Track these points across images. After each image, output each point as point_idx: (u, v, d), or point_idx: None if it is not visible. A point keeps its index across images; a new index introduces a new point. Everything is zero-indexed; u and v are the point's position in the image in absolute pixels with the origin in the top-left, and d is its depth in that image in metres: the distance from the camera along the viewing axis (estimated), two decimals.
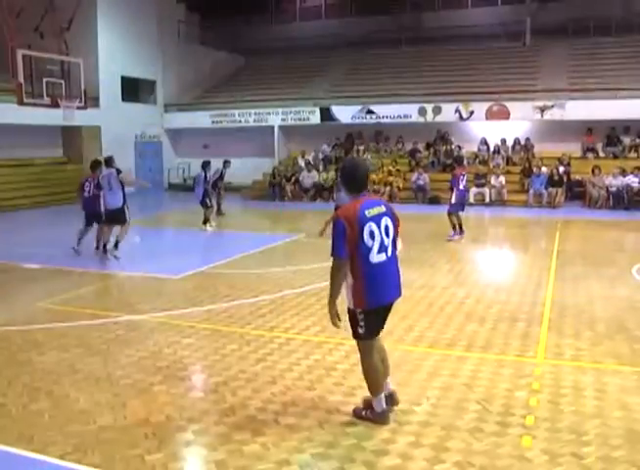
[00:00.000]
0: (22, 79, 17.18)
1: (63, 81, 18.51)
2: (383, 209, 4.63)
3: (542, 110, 22.65)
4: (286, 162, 26.21)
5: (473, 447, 4.51)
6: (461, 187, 13.57)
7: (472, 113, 23.73)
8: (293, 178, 24.16)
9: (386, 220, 4.57)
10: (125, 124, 25.87)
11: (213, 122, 27.33)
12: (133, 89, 27.79)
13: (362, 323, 4.67)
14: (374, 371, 4.84)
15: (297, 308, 8.25)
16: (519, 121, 23.72)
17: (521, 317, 7.77)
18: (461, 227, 13.59)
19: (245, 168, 26.24)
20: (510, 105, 23.15)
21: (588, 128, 22.91)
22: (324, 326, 7.40)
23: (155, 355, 6.45)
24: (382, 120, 25.10)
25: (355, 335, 4.81)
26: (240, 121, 27.02)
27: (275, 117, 26.53)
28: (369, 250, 4.45)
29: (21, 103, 17.49)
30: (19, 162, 22.84)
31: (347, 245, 4.39)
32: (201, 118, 27.62)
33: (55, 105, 18.20)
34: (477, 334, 7.12)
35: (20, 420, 5.02)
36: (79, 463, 4.34)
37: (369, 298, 4.55)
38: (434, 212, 19.57)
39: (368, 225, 4.43)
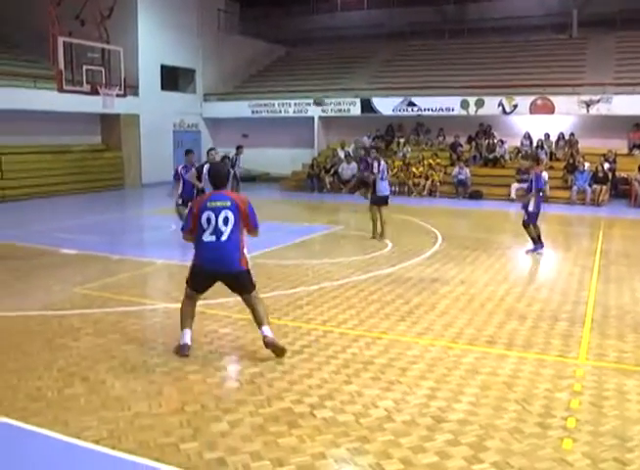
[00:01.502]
0: (62, 66, 17.33)
1: (103, 69, 18.61)
2: (227, 203, 6.04)
3: (588, 104, 22.22)
4: (325, 153, 26.16)
5: (512, 448, 4.44)
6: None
7: (515, 106, 23.39)
8: (332, 170, 24.15)
9: (226, 213, 6.00)
10: (164, 113, 26.06)
11: (253, 112, 27.39)
12: (172, 78, 27.97)
13: (189, 275, 6.27)
14: (182, 311, 6.29)
15: (335, 301, 8.24)
16: (563, 116, 23.30)
17: (562, 317, 7.65)
18: (540, 237, 12.05)
19: (283, 159, 26.33)
20: (555, 99, 22.77)
21: (635, 124, 22.43)
22: (362, 320, 7.41)
23: (191, 344, 6.48)
24: (423, 113, 24.89)
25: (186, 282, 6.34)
26: (279, 112, 27.04)
27: (315, 108, 26.47)
28: (203, 230, 5.99)
29: (60, 90, 17.67)
30: (57, 148, 23.13)
31: (192, 222, 6.09)
32: (240, 108, 27.68)
33: (94, 92, 18.35)
34: (517, 332, 7.03)
35: (55, 404, 5.10)
36: (114, 449, 4.39)
37: (195, 261, 6.18)
38: (475, 208, 19.43)
39: (206, 213, 5.98)
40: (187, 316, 6.28)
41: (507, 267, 10.74)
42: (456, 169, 22.36)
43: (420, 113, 24.91)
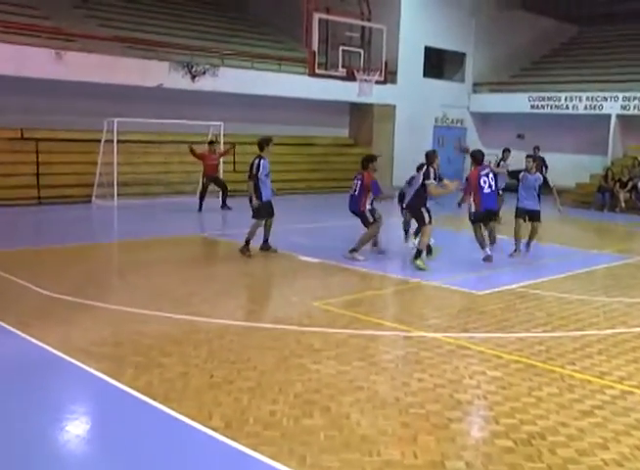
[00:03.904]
0: (315, 47, 18.01)
1: (362, 51, 19.09)
2: (489, 170, 12.44)
3: None
4: (621, 162, 24.92)
5: None
6: None
7: None
8: (629, 184, 22.87)
9: (490, 174, 12.29)
10: (425, 104, 26.41)
11: (532, 107, 26.82)
12: (437, 63, 28.29)
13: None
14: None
15: (635, 354, 7.68)
16: None
17: None
18: None
19: (567, 167, 25.44)
20: None
21: None
22: None
23: (453, 385, 6.41)
24: None
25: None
26: (566, 107, 26.18)
27: (613, 104, 25.30)
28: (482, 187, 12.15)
29: (312, 73, 18.40)
30: (299, 140, 24.32)
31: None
32: (517, 102, 27.28)
33: (351, 77, 18.90)
34: None
35: (290, 435, 5.25)
36: None
37: (480, 205, 12.21)
38: None
39: (482, 176, 12.08)
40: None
41: None
42: None
43: None
